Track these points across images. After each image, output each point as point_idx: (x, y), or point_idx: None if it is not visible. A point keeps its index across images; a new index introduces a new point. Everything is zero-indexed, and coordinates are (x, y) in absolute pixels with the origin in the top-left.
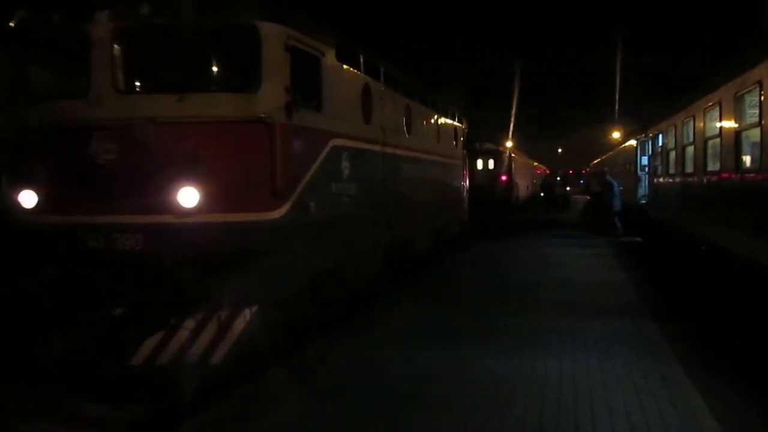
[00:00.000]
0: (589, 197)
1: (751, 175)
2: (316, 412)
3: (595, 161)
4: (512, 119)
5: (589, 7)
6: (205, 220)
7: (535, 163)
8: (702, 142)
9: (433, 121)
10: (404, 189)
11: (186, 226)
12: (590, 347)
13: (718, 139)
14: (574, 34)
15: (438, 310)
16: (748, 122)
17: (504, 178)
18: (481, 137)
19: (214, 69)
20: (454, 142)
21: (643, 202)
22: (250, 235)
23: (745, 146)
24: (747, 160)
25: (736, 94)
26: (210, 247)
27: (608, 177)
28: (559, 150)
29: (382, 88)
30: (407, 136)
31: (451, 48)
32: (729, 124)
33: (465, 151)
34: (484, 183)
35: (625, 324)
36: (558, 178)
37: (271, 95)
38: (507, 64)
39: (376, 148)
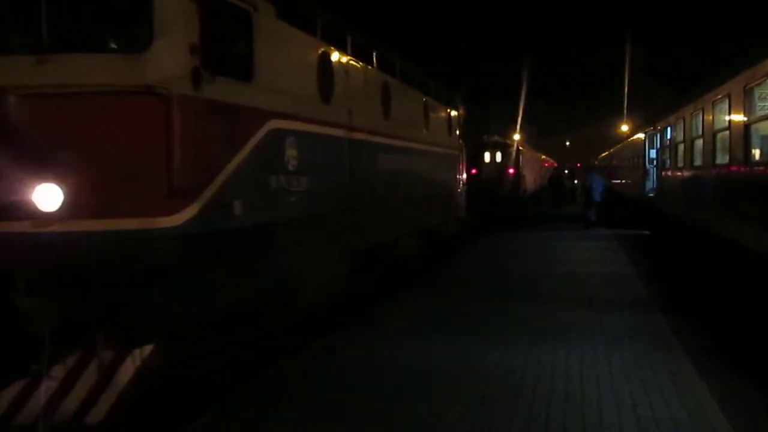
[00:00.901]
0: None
1: (761, 167)
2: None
3: (603, 155)
4: (520, 112)
5: (600, 1)
6: (72, 229)
7: (543, 157)
8: (711, 135)
9: (419, 104)
10: (381, 184)
11: (46, 237)
12: (598, 340)
13: (727, 132)
14: (584, 28)
15: (438, 311)
16: (758, 115)
17: (512, 171)
18: (489, 130)
19: (89, 19)
20: (448, 130)
21: (651, 195)
22: (138, 248)
23: (755, 139)
24: (756, 152)
25: (745, 86)
26: (80, 266)
27: (595, 173)
28: (567, 143)
29: (350, 61)
30: (385, 120)
31: (461, 41)
32: (738, 116)
33: (462, 141)
34: (492, 176)
35: (632, 317)
36: (566, 171)
37: (167, 56)
38: (516, 58)
39: (340, 133)
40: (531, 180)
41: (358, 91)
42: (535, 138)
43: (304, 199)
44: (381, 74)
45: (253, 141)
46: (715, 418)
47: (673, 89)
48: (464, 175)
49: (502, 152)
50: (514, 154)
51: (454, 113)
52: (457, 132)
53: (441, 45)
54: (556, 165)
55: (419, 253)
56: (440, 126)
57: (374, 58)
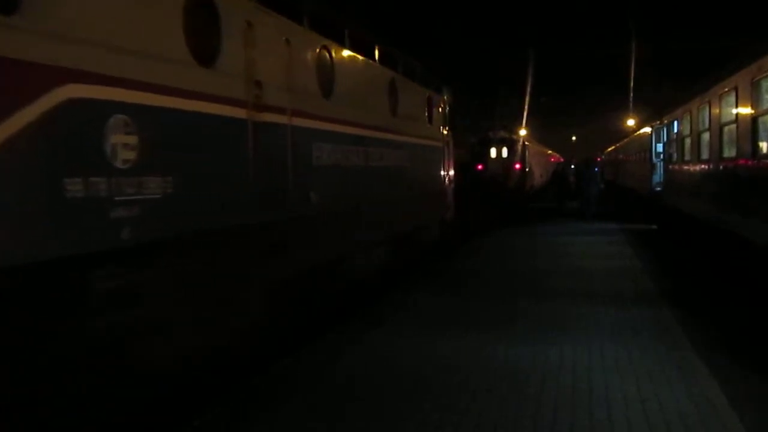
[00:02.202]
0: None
1: None
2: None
3: (610, 149)
4: (526, 107)
5: None
6: None
7: (549, 152)
8: (718, 128)
9: (383, 83)
10: (321, 185)
11: None
12: (605, 335)
13: (734, 125)
14: (589, 21)
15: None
16: (766, 108)
17: (518, 166)
18: (494, 126)
19: None
20: (428, 118)
21: (658, 189)
22: None
23: (762, 132)
24: (764, 146)
25: (753, 79)
26: None
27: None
28: (573, 138)
29: (255, 12)
30: (325, 100)
31: (466, 34)
32: (746, 110)
33: (449, 132)
34: (498, 171)
35: (640, 311)
36: (573, 167)
37: None
38: (521, 51)
39: (237, 114)
40: (537, 175)
41: (271, 54)
42: (540, 133)
43: (150, 211)
44: (317, 37)
45: (26, 117)
46: (724, 412)
47: (679, 83)
48: (452, 171)
49: (508, 147)
50: (520, 149)
51: (437, 98)
52: (443, 121)
53: (444, 37)
54: (562, 160)
55: (389, 267)
56: (416, 111)
57: (303, 14)
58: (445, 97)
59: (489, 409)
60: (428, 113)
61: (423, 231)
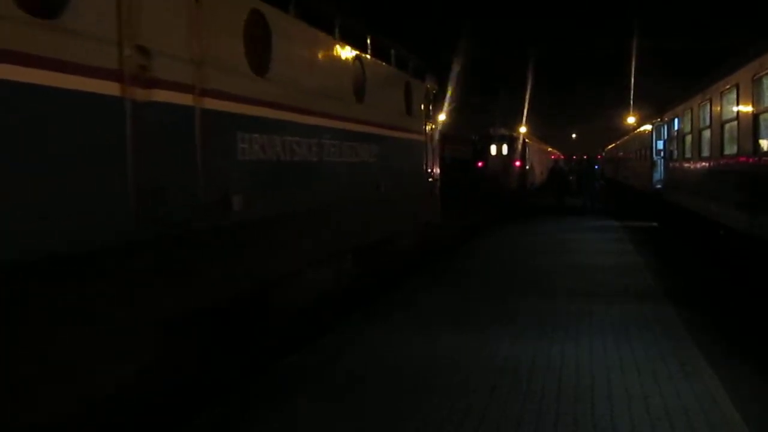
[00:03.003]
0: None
1: None
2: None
3: (610, 146)
4: (526, 104)
5: None
6: None
7: (550, 149)
8: (719, 125)
9: (344, 63)
10: (250, 187)
11: None
12: (607, 331)
13: (735, 123)
14: (590, 18)
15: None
16: (767, 105)
17: (518, 164)
18: (495, 123)
19: None
20: (406, 107)
21: (659, 186)
22: None
23: (763, 129)
24: (765, 143)
25: (754, 76)
26: None
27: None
28: (574, 135)
29: None
30: (258, 79)
31: (466, 31)
32: (747, 107)
33: (434, 125)
34: (499, 169)
35: (641, 308)
36: (576, 164)
37: None
38: (522, 48)
39: (104, 89)
40: (538, 172)
41: (166, 12)
42: (541, 130)
43: None
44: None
45: None
46: (725, 408)
47: (680, 80)
48: (437, 169)
49: (508, 145)
50: (520, 146)
51: (418, 86)
52: (426, 112)
53: (444, 31)
54: (563, 157)
55: (350, 286)
56: (390, 100)
57: None
58: (429, 86)
59: (491, 408)
60: (406, 102)
61: (400, 239)
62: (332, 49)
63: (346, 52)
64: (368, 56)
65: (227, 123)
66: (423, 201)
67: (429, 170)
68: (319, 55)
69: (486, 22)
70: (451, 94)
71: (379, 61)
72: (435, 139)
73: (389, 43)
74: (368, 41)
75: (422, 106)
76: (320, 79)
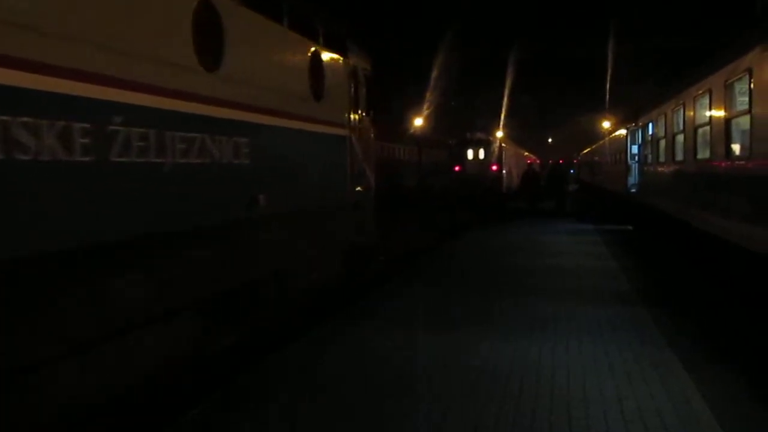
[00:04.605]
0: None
1: (741, 162)
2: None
3: (586, 150)
4: (503, 109)
5: None
6: None
7: (526, 153)
8: (692, 130)
9: (182, 8)
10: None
11: None
12: (583, 333)
13: (708, 127)
14: (567, 23)
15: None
16: (738, 110)
17: (495, 167)
18: (472, 127)
19: None
20: (314, 90)
21: (634, 190)
22: None
23: (735, 134)
24: (737, 147)
25: (725, 82)
26: None
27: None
28: (550, 140)
29: None
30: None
31: (443, 35)
32: (719, 112)
33: (364, 115)
34: (475, 172)
35: (616, 310)
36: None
37: None
38: (499, 53)
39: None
40: (514, 176)
41: None
42: (518, 134)
43: None
44: None
45: None
46: (699, 408)
47: (655, 84)
48: (371, 174)
49: (485, 149)
50: (497, 150)
51: (336, 63)
52: (350, 99)
53: (421, 36)
54: (539, 161)
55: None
56: (279, 75)
57: None
58: (356, 64)
59: (469, 408)
60: (314, 82)
61: (303, 272)
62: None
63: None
64: (241, 6)
65: None
66: (344, 217)
67: (356, 175)
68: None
69: (464, 25)
70: (390, 84)
71: (257, 14)
72: (367, 134)
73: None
74: None
75: (345, 90)
76: (125, 31)
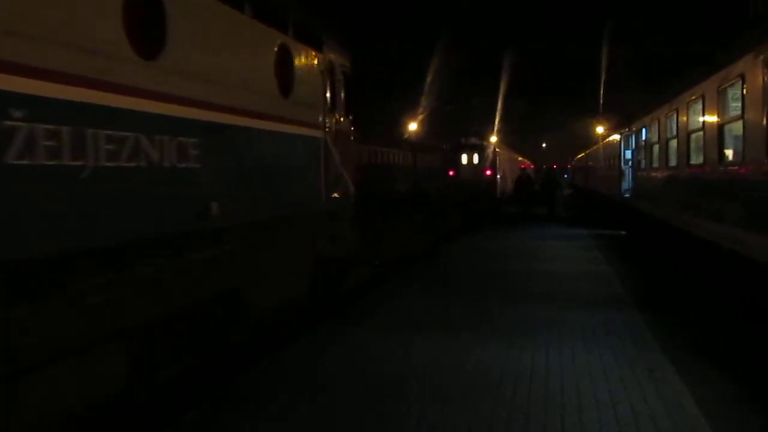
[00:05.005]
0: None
1: (734, 167)
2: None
3: (579, 155)
4: (497, 114)
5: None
6: None
7: (520, 158)
8: (685, 135)
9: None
10: None
11: None
12: (577, 338)
13: (701, 133)
14: (561, 27)
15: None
16: (731, 115)
17: (489, 172)
18: (467, 132)
19: None
20: (282, 86)
21: (627, 195)
22: None
23: (728, 139)
24: (730, 153)
25: (719, 87)
26: None
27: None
28: (544, 145)
29: None
30: None
31: (437, 41)
32: (712, 117)
33: (343, 115)
34: (469, 177)
35: (610, 315)
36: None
37: None
38: (493, 58)
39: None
40: (509, 181)
41: None
42: (512, 139)
43: None
44: None
45: None
46: (692, 412)
47: (648, 89)
48: (351, 184)
49: (479, 154)
50: (491, 155)
51: (307, 56)
52: (325, 97)
53: (417, 43)
54: (533, 166)
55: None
56: (237, 67)
57: None
58: (334, 59)
59: (463, 413)
60: (282, 77)
61: (262, 290)
62: None
63: None
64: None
65: None
66: (316, 226)
67: (332, 181)
68: None
69: (459, 30)
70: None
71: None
72: (346, 136)
73: None
74: None
75: (318, 88)
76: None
